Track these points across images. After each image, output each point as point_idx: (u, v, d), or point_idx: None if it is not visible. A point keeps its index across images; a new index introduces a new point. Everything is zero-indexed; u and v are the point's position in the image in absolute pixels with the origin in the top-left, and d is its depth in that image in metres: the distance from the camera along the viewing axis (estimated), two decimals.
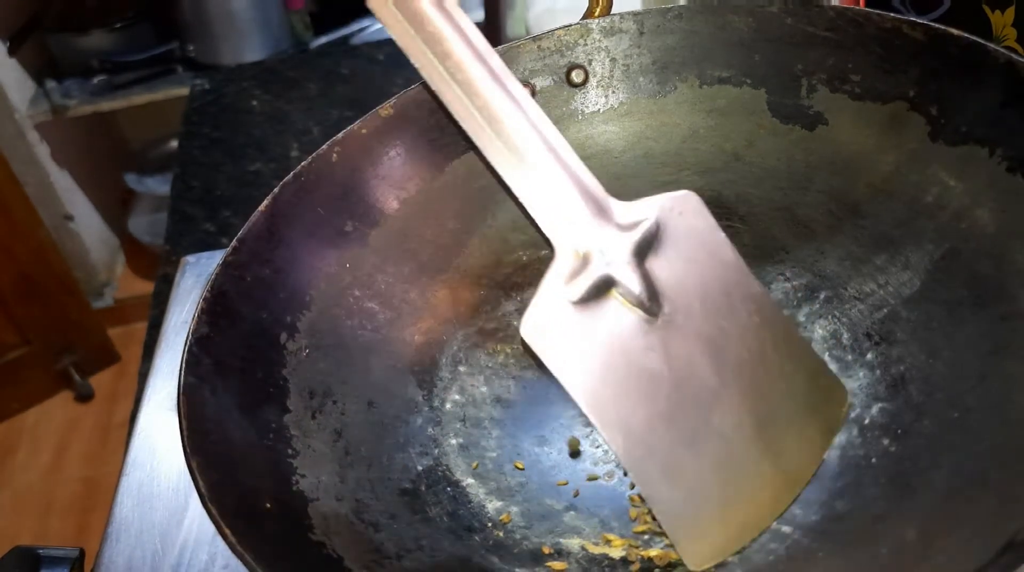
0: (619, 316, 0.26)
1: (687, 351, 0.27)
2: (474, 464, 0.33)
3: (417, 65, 0.26)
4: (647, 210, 0.27)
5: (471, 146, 0.27)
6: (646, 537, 0.29)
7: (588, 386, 0.26)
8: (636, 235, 0.26)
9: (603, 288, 0.26)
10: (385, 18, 0.26)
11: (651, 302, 0.26)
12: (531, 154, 0.26)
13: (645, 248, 0.27)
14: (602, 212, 0.27)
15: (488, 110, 0.26)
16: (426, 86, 0.28)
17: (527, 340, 0.26)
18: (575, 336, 0.26)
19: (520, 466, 0.32)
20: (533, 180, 0.26)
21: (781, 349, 0.28)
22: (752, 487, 0.27)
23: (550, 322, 0.26)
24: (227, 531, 0.24)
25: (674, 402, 0.26)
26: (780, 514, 0.27)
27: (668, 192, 0.27)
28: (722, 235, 0.28)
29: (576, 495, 0.30)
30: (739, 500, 0.27)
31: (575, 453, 0.33)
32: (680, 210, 0.27)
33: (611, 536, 0.30)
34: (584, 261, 0.26)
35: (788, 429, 0.28)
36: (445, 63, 0.26)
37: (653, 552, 0.29)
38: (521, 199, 0.27)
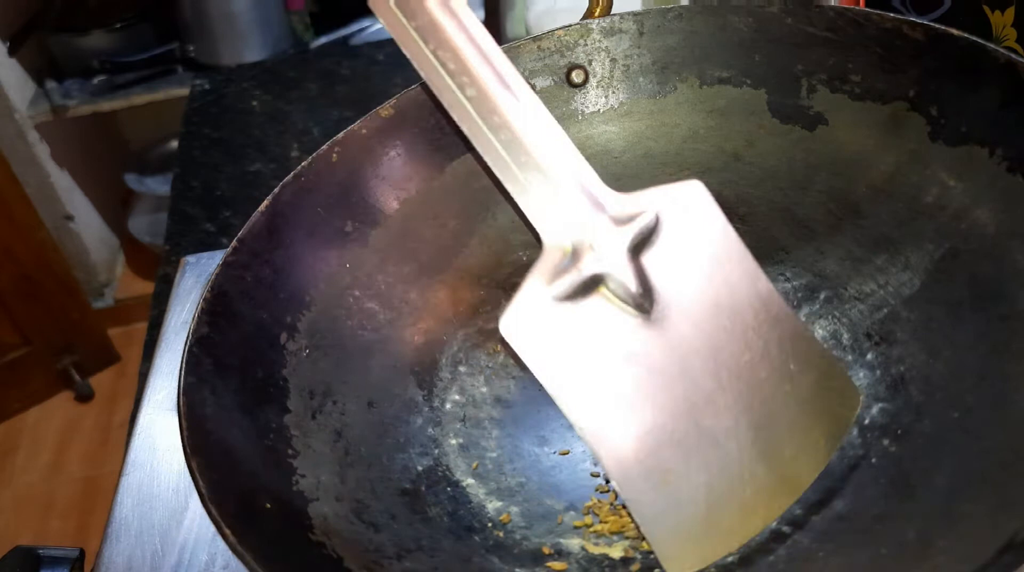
0: (608, 314, 0.25)
1: (680, 351, 0.25)
2: (474, 464, 0.33)
3: (419, 68, 0.26)
4: (647, 202, 0.26)
5: (467, 145, 0.26)
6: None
7: (570, 387, 0.25)
8: (632, 230, 0.25)
9: (592, 285, 0.25)
10: (387, 18, 0.25)
11: (644, 299, 0.25)
12: (524, 146, 0.25)
13: (641, 243, 0.25)
14: (597, 205, 0.25)
15: (482, 100, 0.25)
16: (425, 86, 0.27)
17: (505, 337, 0.25)
18: (558, 334, 0.25)
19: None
20: (524, 173, 0.25)
21: (786, 349, 0.26)
22: (743, 494, 0.26)
23: (532, 320, 0.25)
24: (227, 531, 0.24)
25: (662, 405, 0.25)
26: (772, 521, 0.26)
27: (673, 183, 0.26)
28: (729, 228, 0.26)
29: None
30: (728, 506, 0.26)
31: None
32: (684, 202, 0.26)
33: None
34: (575, 257, 0.25)
35: (789, 433, 0.26)
36: (435, 50, 0.25)
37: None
38: (509, 191, 0.26)
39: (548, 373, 0.25)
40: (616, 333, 0.25)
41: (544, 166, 0.25)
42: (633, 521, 0.26)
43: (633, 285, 0.25)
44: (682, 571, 0.26)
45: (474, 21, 0.26)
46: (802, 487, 0.27)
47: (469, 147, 0.26)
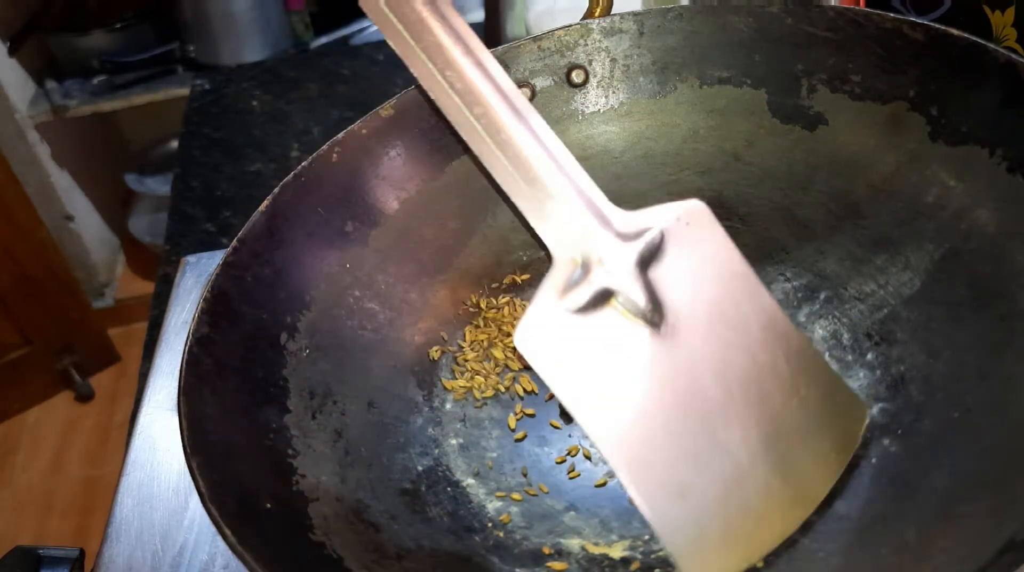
0: (619, 327, 0.26)
1: (691, 364, 0.26)
2: (474, 465, 0.33)
3: (413, 70, 0.26)
4: (651, 219, 0.26)
5: (469, 153, 0.27)
6: (647, 537, 0.29)
7: (585, 398, 0.25)
8: (639, 245, 0.26)
9: (602, 299, 0.26)
10: (379, 20, 0.26)
11: (653, 313, 0.26)
12: (531, 164, 0.26)
13: (648, 258, 0.26)
14: (604, 221, 0.26)
15: (488, 119, 0.26)
16: (420, 88, 0.28)
17: (521, 349, 0.26)
18: (572, 346, 0.26)
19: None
20: (532, 189, 0.26)
21: (793, 364, 0.27)
22: (759, 506, 0.26)
23: (546, 332, 0.26)
24: (227, 531, 0.24)
25: (676, 417, 0.26)
26: (789, 534, 0.26)
27: (675, 202, 0.27)
28: (732, 246, 0.27)
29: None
30: (745, 519, 0.26)
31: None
32: (687, 220, 0.27)
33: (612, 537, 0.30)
34: (584, 271, 0.26)
35: (800, 446, 0.27)
36: (443, 70, 0.26)
37: (655, 552, 0.29)
38: (519, 207, 0.26)
39: (563, 385, 0.26)
40: (627, 346, 0.26)
41: (550, 184, 0.25)
42: (656, 536, 0.26)
43: (642, 299, 0.26)
44: None
45: (462, 23, 0.26)
46: (816, 500, 0.27)
47: (472, 156, 0.27)
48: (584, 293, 0.26)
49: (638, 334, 0.26)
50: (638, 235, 0.26)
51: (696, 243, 0.27)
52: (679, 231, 0.26)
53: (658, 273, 0.26)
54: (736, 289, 0.27)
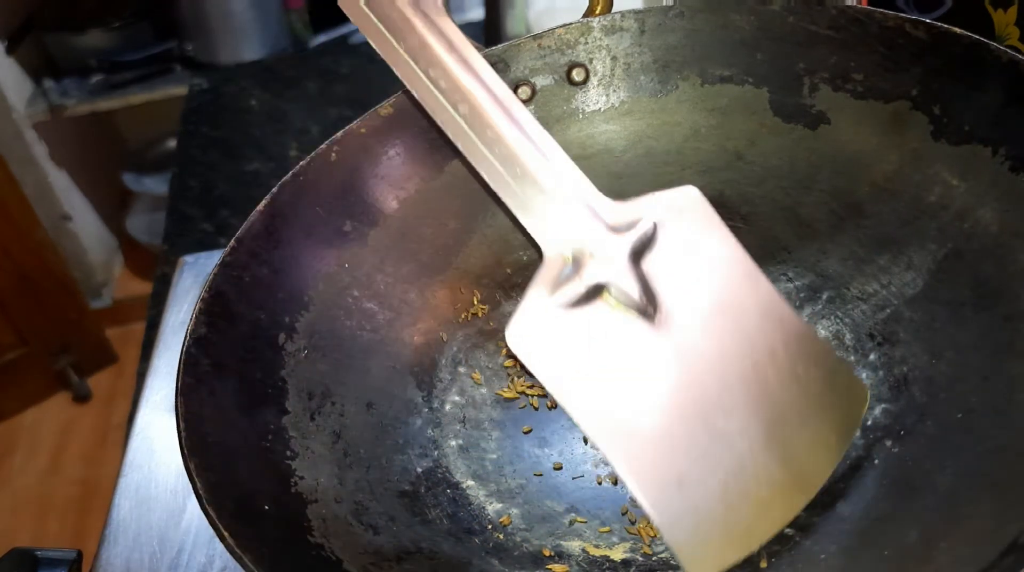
0: (612, 321, 0.25)
1: (687, 354, 0.25)
2: (474, 466, 0.32)
3: (396, 70, 0.26)
4: (643, 210, 0.26)
5: (459, 153, 0.26)
6: (648, 539, 0.29)
7: (580, 395, 0.25)
8: (631, 237, 0.25)
9: (595, 293, 0.26)
10: (359, 20, 0.26)
11: (647, 305, 0.25)
12: (519, 159, 0.25)
13: (640, 249, 0.26)
14: (594, 214, 0.26)
15: (475, 116, 0.25)
16: (408, 93, 0.28)
17: (512, 348, 0.25)
18: (565, 343, 0.25)
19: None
20: (520, 185, 0.25)
21: (792, 349, 0.26)
22: (759, 493, 0.25)
23: (537, 329, 0.25)
24: (225, 533, 0.24)
25: (673, 407, 0.25)
26: (791, 519, 0.26)
27: (667, 190, 0.26)
28: (727, 232, 0.26)
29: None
30: (744, 506, 0.25)
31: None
32: (679, 207, 0.26)
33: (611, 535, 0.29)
34: (576, 266, 0.25)
35: (800, 432, 0.26)
36: (427, 69, 0.26)
37: (656, 554, 0.29)
38: (507, 204, 0.26)
39: (557, 382, 0.25)
40: (621, 340, 0.25)
41: (540, 179, 0.25)
42: (654, 527, 0.26)
43: (635, 292, 0.25)
44: None
45: (447, 23, 0.26)
46: (817, 484, 0.26)
47: (465, 161, 0.26)
48: (576, 288, 0.25)
49: (632, 327, 0.25)
50: (630, 226, 0.26)
51: (690, 231, 0.26)
52: (672, 220, 0.26)
53: (651, 263, 0.26)
54: (731, 276, 0.26)
